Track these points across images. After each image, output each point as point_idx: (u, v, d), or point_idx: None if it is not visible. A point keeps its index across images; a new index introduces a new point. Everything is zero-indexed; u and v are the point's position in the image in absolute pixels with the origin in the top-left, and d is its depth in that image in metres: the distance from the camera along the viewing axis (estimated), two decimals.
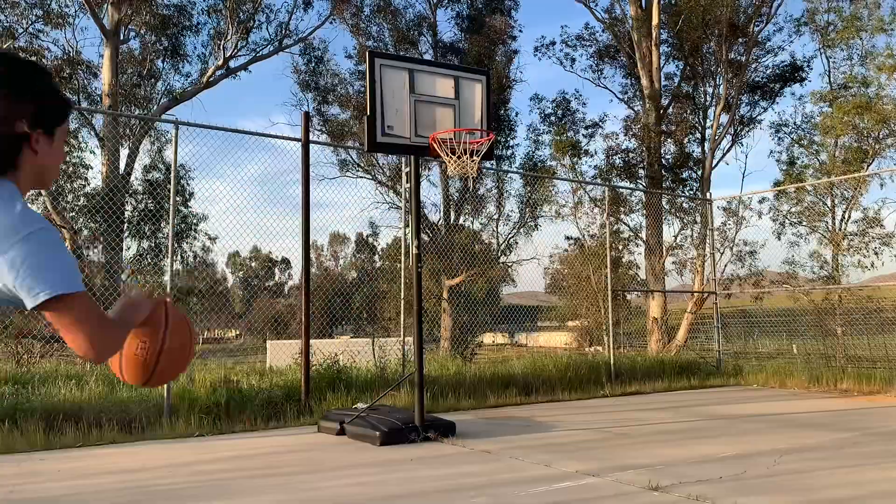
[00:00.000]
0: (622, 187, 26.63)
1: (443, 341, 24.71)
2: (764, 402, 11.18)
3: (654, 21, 25.17)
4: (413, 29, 27.66)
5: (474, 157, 7.91)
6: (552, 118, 28.72)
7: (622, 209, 25.61)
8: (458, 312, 24.63)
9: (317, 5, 49.77)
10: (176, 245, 18.28)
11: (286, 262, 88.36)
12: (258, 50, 26.92)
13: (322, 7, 43.76)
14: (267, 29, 27.73)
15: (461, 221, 27.18)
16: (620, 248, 26.78)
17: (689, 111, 27.71)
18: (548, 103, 29.64)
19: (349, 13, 27.45)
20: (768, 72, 27.40)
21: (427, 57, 26.97)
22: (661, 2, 25.65)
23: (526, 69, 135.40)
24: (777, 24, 32.86)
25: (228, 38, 25.88)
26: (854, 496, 5.11)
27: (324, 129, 27.26)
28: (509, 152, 28.24)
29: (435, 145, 7.85)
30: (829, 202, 24.24)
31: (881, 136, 24.16)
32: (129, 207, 23.60)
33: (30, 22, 23.91)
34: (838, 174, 23.76)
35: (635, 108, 27.98)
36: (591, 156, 28.79)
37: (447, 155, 7.85)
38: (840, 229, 23.67)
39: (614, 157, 27.08)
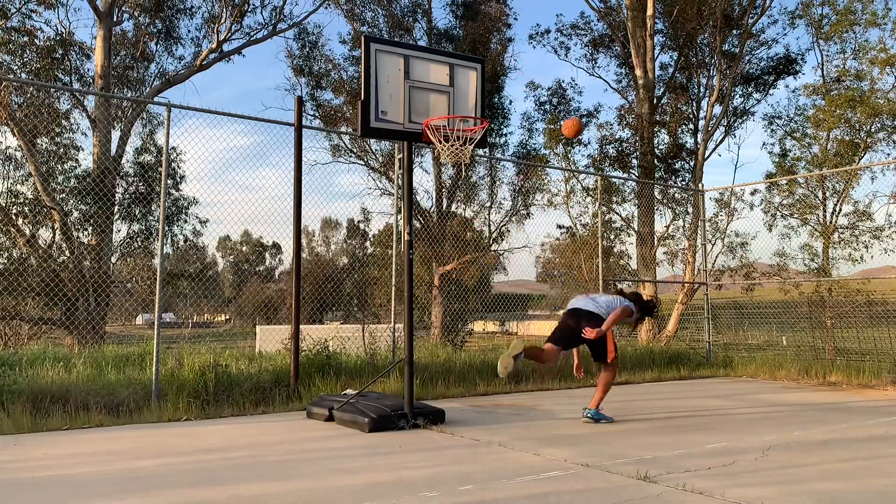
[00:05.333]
0: (615, 177, 26.65)
1: (433, 328, 24.72)
2: (753, 394, 11.20)
3: (649, 11, 25.13)
4: (408, 15, 27.58)
5: (467, 145, 7.88)
6: (546, 106, 28.70)
7: (614, 199, 25.62)
8: (449, 300, 24.64)
9: None
10: (166, 228, 18.24)
11: (277, 247, 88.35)
12: (252, 34, 26.80)
13: None
14: (261, 13, 27.60)
15: (453, 209, 27.15)
16: (612, 237, 26.80)
17: (682, 102, 27.70)
18: (542, 91, 29.64)
19: None
20: (762, 64, 27.46)
21: (421, 44, 26.91)
22: None
23: (521, 57, 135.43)
24: (771, 16, 32.96)
25: (223, 21, 25.74)
26: (842, 489, 5.11)
27: (317, 115, 27.19)
28: (503, 140, 28.21)
29: (428, 132, 7.81)
30: (820, 195, 24.29)
31: (873, 130, 24.20)
32: (119, 190, 23.51)
33: (23, 2, 23.74)
34: (830, 167, 23.79)
35: (629, 98, 27.97)
36: (585, 145, 28.80)
37: (440, 142, 7.82)
38: (831, 222, 23.73)
39: (607, 147, 27.09)
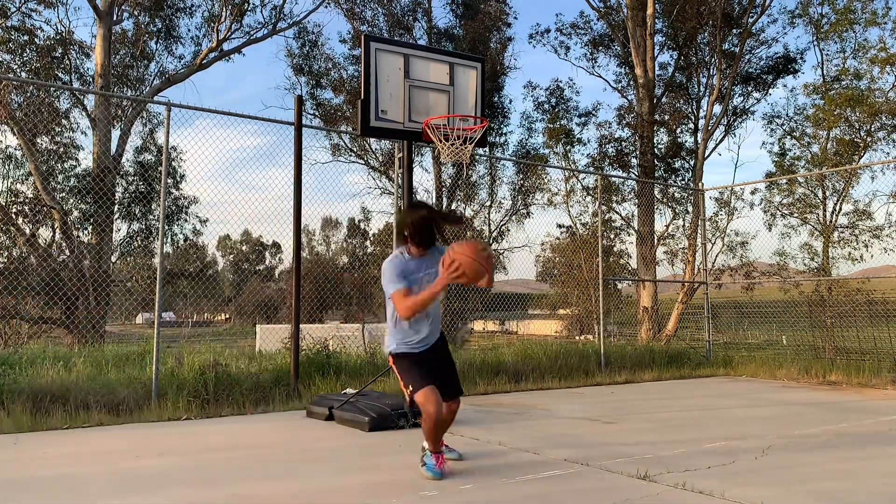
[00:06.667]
0: (614, 176, 26.63)
1: None
2: (753, 393, 11.20)
3: (649, 10, 25.13)
4: (408, 14, 27.58)
5: (467, 144, 7.88)
6: (546, 106, 28.69)
7: (614, 198, 25.61)
8: (449, 299, 24.62)
9: None
10: (166, 227, 18.25)
11: (277, 247, 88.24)
12: (252, 33, 26.81)
13: None
14: (261, 12, 27.57)
15: (453, 208, 27.13)
16: (612, 236, 26.80)
17: (682, 101, 27.69)
18: (541, 91, 29.65)
19: None
20: (762, 63, 27.42)
21: (421, 43, 26.89)
22: None
23: (520, 56, 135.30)
24: (771, 15, 32.94)
25: (222, 20, 25.74)
26: (842, 489, 5.11)
27: (317, 114, 27.19)
28: (502, 139, 28.21)
29: (428, 131, 7.81)
30: (820, 194, 24.28)
31: (873, 129, 24.18)
32: (119, 189, 23.51)
33: (22, 1, 23.73)
34: (829, 166, 23.79)
35: (629, 98, 27.96)
36: (584, 144, 28.78)
37: (440, 141, 7.82)
38: (831, 221, 23.72)
39: (607, 146, 27.08)
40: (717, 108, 26.30)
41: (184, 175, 24.54)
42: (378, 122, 7.64)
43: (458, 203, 27.20)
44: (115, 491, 4.96)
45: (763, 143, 33.05)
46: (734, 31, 26.42)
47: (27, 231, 20.41)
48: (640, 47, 25.24)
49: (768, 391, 11.45)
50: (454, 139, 7.80)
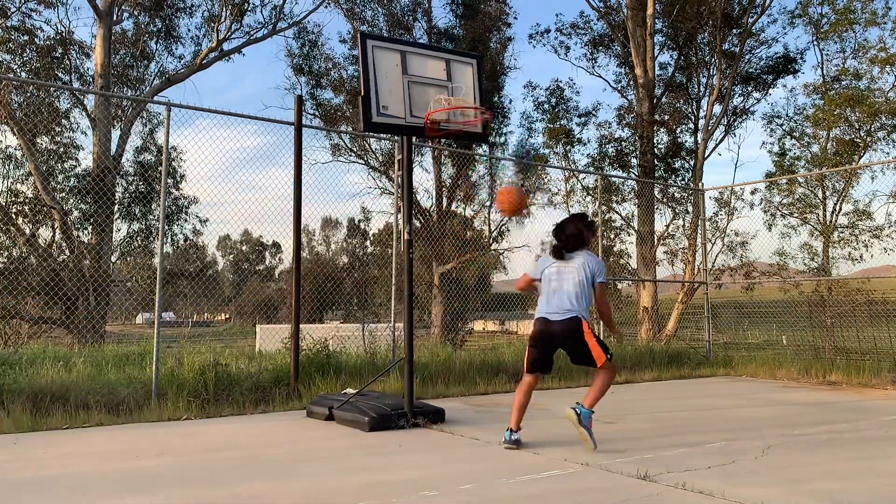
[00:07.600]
0: (614, 176, 26.62)
1: (433, 328, 24.70)
2: (753, 393, 11.20)
3: (649, 10, 25.12)
4: (408, 14, 27.55)
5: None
6: (546, 106, 28.68)
7: (614, 198, 25.60)
8: (449, 299, 24.62)
9: None
10: (166, 227, 18.23)
11: (277, 246, 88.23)
12: (252, 33, 26.80)
13: None
14: (261, 12, 27.54)
15: (453, 208, 27.11)
16: (612, 236, 26.79)
17: (682, 101, 27.68)
18: (541, 91, 29.66)
19: None
20: (762, 63, 27.41)
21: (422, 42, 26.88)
22: None
23: (520, 56, 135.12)
24: (771, 15, 32.92)
25: (222, 20, 25.74)
26: (842, 489, 5.11)
27: (317, 114, 27.17)
28: (502, 139, 28.18)
29: (430, 125, 7.81)
30: (820, 194, 24.28)
31: (872, 129, 24.18)
32: (119, 189, 23.50)
33: (22, 1, 23.72)
34: (829, 166, 23.79)
35: (629, 98, 27.95)
36: (584, 144, 28.78)
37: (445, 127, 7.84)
38: (831, 221, 23.71)
39: (607, 146, 27.07)
40: (717, 108, 26.31)
41: (184, 175, 24.56)
42: (380, 117, 7.63)
43: (458, 203, 27.19)
44: (115, 491, 4.96)
45: (763, 143, 33.07)
46: (734, 31, 26.41)
47: (27, 231, 20.40)
48: (640, 47, 25.23)
49: (768, 391, 11.45)
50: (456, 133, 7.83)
